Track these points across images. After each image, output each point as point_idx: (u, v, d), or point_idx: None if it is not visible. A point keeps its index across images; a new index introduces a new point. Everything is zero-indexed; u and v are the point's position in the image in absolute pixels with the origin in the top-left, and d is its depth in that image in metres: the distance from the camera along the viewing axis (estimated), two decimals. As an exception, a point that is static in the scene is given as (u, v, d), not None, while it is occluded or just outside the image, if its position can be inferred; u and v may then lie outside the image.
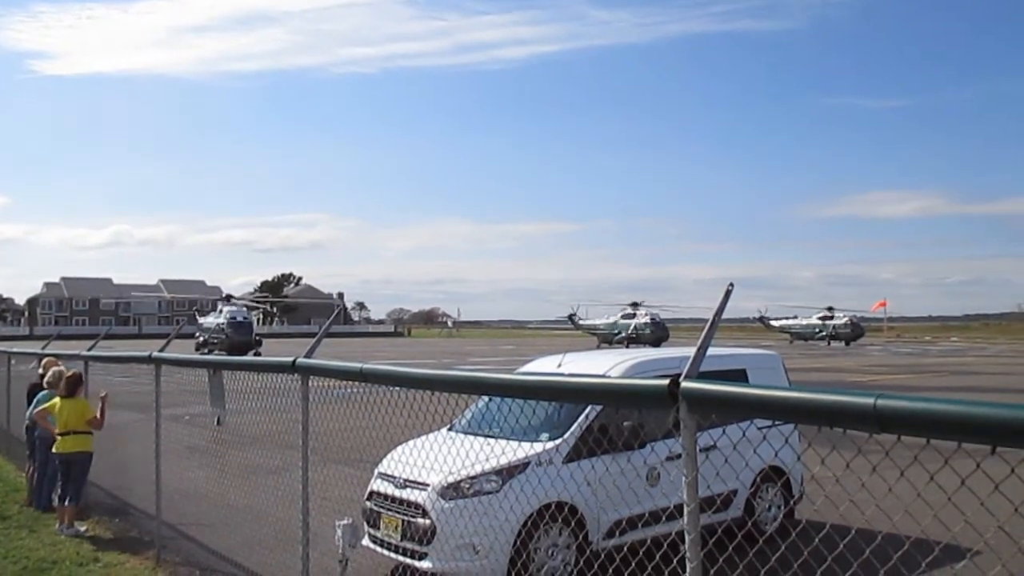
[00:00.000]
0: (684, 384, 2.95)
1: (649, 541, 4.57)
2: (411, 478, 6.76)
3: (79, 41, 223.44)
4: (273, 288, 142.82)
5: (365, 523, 7.12)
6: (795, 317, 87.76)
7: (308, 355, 5.86)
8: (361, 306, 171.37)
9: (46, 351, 12.61)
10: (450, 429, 7.51)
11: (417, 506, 6.69)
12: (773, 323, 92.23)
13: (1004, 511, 2.53)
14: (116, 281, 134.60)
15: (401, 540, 6.78)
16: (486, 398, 7.14)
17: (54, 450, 9.40)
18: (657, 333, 68.10)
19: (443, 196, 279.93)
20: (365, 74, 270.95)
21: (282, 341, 78.39)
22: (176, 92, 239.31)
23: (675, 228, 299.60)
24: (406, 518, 6.75)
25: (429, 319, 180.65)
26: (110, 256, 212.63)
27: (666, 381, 3.01)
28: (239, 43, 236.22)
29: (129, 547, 8.59)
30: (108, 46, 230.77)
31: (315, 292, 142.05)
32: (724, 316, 3.39)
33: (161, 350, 8.55)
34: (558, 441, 7.01)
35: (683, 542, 3.04)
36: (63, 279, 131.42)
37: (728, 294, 3.37)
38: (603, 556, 6.08)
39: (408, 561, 6.68)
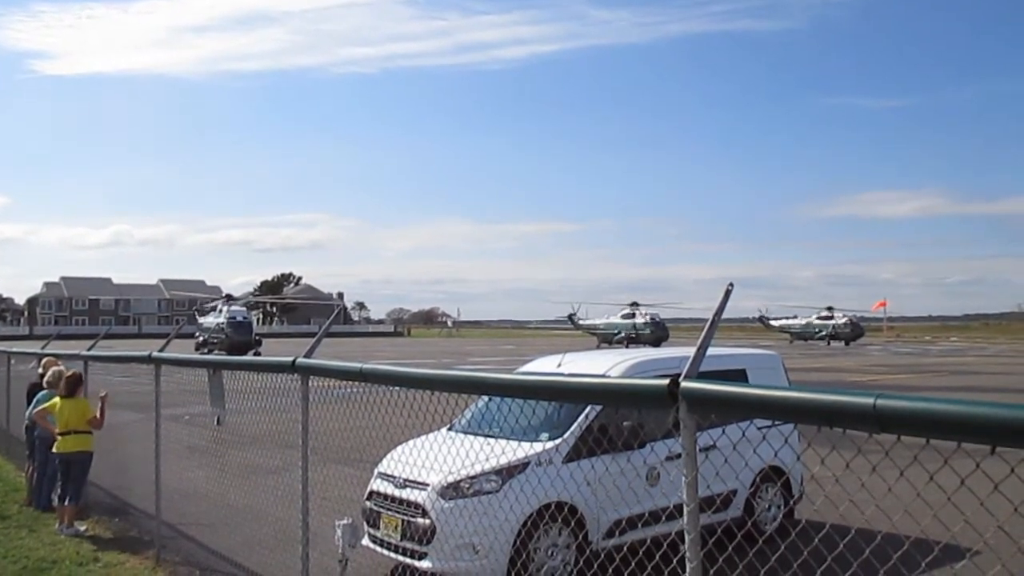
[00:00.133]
0: (684, 384, 2.95)
1: (649, 541, 4.57)
2: (411, 478, 6.76)
3: (79, 41, 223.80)
4: (273, 288, 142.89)
5: (365, 523, 7.13)
6: (795, 317, 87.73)
7: (308, 355, 5.86)
8: (361, 306, 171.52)
9: (46, 351, 12.61)
10: (450, 429, 7.51)
11: (417, 506, 6.70)
12: (773, 323, 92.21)
13: (1004, 511, 2.53)
14: (116, 281, 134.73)
15: (401, 540, 6.78)
16: (486, 398, 7.15)
17: (55, 450, 9.40)
18: (657, 333, 68.10)
19: (443, 196, 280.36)
20: (365, 74, 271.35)
21: (282, 341, 78.41)
22: (176, 92, 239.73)
23: (675, 228, 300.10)
24: (406, 518, 6.75)
25: (429, 319, 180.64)
26: (110, 256, 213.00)
27: (666, 381, 3.01)
28: (239, 43, 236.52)
29: (129, 547, 8.59)
30: (108, 46, 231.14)
31: (315, 292, 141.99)
32: (724, 316, 3.39)
33: (161, 350, 8.55)
34: (558, 441, 7.01)
35: (683, 542, 3.04)
36: (63, 279, 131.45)
37: (728, 294, 3.37)
38: (603, 556, 6.08)
39: (408, 561, 6.68)
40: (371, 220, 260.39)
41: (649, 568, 4.19)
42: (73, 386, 9.51)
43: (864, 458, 2.77)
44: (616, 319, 74.35)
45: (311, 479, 6.04)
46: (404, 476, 6.83)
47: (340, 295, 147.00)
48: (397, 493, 6.90)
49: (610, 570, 4.55)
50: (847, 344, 75.33)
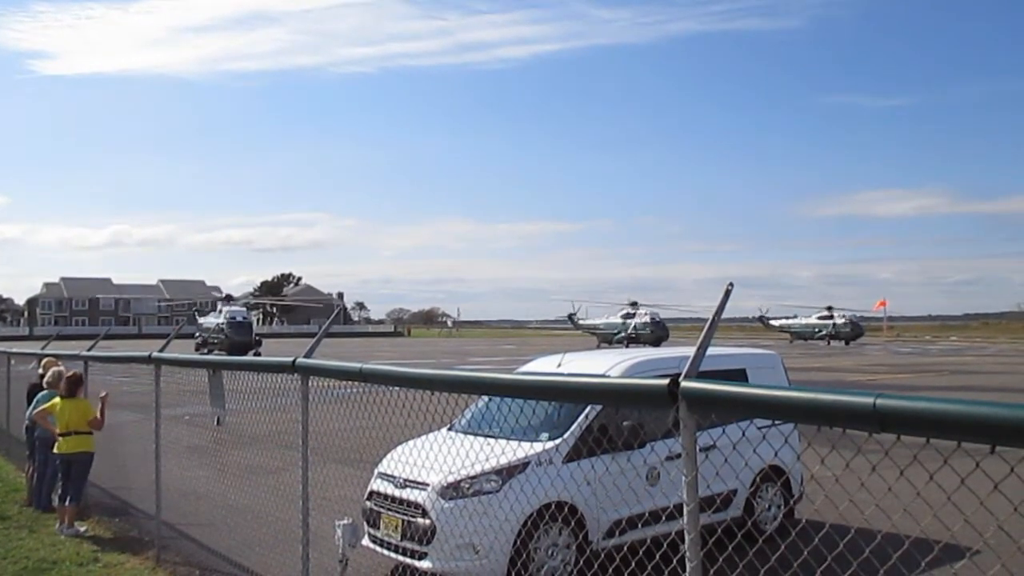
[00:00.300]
0: (684, 384, 2.96)
1: (649, 541, 4.57)
2: (411, 478, 6.76)
3: (79, 41, 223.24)
4: (273, 288, 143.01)
5: (365, 523, 7.13)
6: (795, 317, 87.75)
7: (308, 355, 5.86)
8: (361, 306, 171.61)
9: (46, 351, 12.61)
10: (450, 429, 7.51)
11: (417, 506, 6.70)
12: (773, 323, 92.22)
13: (1003, 511, 2.54)
14: (116, 281, 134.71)
15: (401, 540, 6.78)
16: (486, 398, 7.15)
17: (55, 450, 9.41)
18: (657, 333, 68.11)
19: (443, 195, 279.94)
20: (365, 74, 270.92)
21: (282, 341, 78.47)
22: (176, 92, 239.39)
23: (675, 227, 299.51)
24: (406, 518, 6.76)
25: (429, 319, 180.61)
26: (110, 256, 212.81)
27: (666, 381, 3.02)
28: (239, 43, 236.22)
29: (129, 547, 8.59)
30: (108, 46, 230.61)
31: (315, 292, 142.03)
32: (724, 316, 3.39)
33: (161, 350, 8.56)
34: (558, 441, 7.01)
35: (683, 542, 3.04)
36: (63, 279, 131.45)
37: (728, 294, 3.37)
38: (603, 556, 6.09)
39: (408, 561, 6.68)
40: (371, 220, 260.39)
41: (649, 568, 4.19)
42: (74, 387, 9.52)
43: (864, 458, 2.77)
44: (616, 319, 74.37)
45: (311, 479, 6.04)
46: (404, 476, 6.83)
47: (340, 295, 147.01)
48: (397, 493, 6.90)
49: (610, 570, 4.55)
50: (847, 344, 75.33)
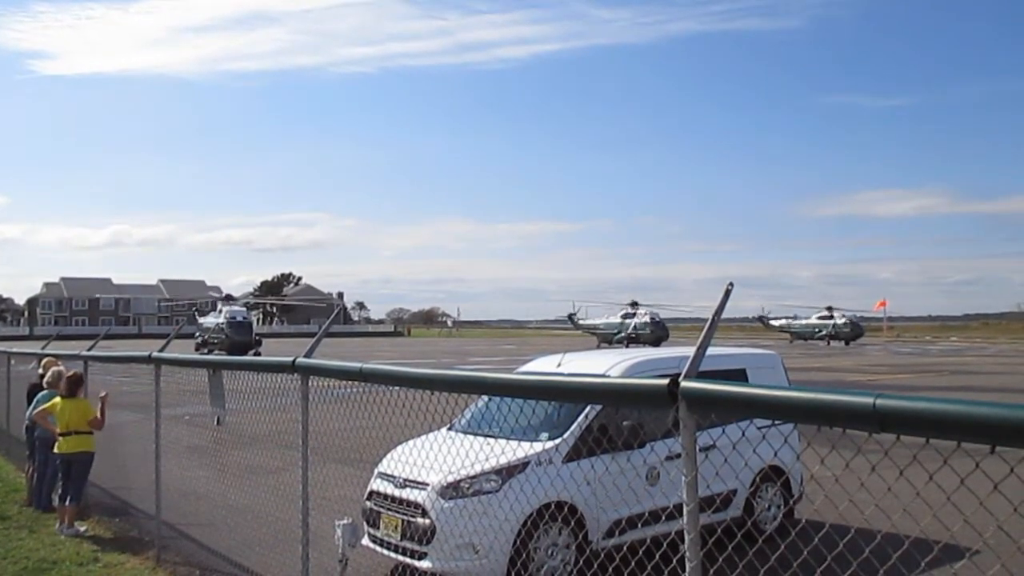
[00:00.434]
0: (684, 384, 2.96)
1: (649, 541, 4.57)
2: (411, 478, 6.77)
3: (79, 41, 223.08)
4: (273, 288, 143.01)
5: (365, 523, 7.13)
6: (795, 317, 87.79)
7: (308, 355, 5.87)
8: (361, 306, 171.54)
9: (46, 351, 12.61)
10: (450, 429, 7.51)
11: (417, 506, 6.70)
12: (773, 323, 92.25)
13: (1003, 511, 2.54)
14: (116, 281, 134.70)
15: (401, 540, 6.79)
16: (486, 398, 7.15)
17: (56, 450, 9.41)
18: (657, 333, 68.12)
19: (443, 195, 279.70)
20: (365, 74, 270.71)
21: (282, 341, 78.48)
22: (176, 92, 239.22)
23: (675, 227, 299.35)
24: (406, 518, 6.76)
25: (429, 319, 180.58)
26: (110, 256, 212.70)
27: (665, 381, 3.02)
28: (239, 43, 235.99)
29: (129, 547, 8.59)
30: (108, 46, 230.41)
31: (315, 292, 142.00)
32: (724, 316, 3.39)
33: (161, 350, 8.56)
34: (558, 441, 7.02)
35: (683, 542, 3.04)
36: (63, 279, 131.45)
37: (728, 294, 3.37)
38: (603, 556, 6.09)
39: (408, 561, 6.68)
40: (371, 220, 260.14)
41: (649, 568, 4.19)
42: (74, 386, 9.52)
43: (864, 458, 2.77)
44: (616, 319, 74.38)
45: (311, 479, 6.04)
46: (404, 476, 6.83)
47: (340, 295, 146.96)
48: (397, 493, 6.90)
49: (610, 570, 4.55)
50: (847, 344, 75.34)
